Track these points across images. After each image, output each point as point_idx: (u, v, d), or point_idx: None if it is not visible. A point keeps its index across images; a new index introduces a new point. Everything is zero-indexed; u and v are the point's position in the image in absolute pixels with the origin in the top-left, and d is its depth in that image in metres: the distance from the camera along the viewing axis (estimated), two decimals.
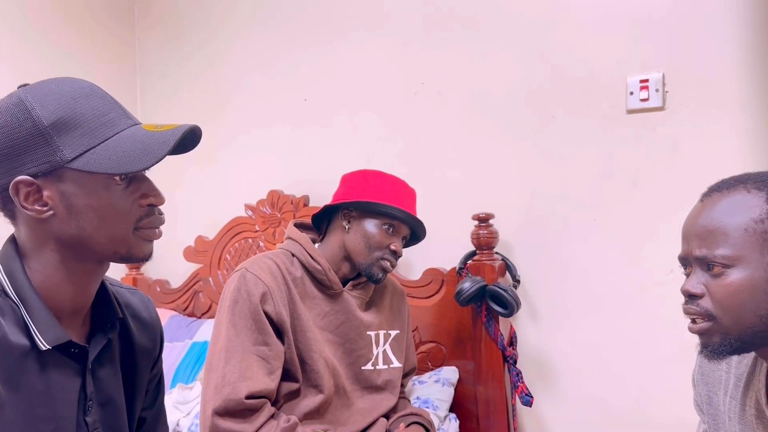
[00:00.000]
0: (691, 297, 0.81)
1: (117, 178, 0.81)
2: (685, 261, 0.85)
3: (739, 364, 0.94)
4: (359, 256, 1.48)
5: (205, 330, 2.20)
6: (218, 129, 2.45)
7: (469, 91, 1.95)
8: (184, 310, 2.43)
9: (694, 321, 0.82)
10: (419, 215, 1.54)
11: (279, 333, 1.39)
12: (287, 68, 2.31)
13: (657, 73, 1.67)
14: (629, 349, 1.71)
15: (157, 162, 0.79)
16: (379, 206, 1.46)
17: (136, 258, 0.85)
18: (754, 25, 1.55)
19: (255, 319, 1.36)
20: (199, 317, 2.39)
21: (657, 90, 1.67)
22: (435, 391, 1.74)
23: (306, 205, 2.19)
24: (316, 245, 1.54)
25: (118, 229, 0.82)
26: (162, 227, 0.87)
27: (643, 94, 1.68)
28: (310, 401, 1.42)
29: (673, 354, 1.63)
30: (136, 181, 0.83)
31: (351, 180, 1.56)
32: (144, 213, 0.84)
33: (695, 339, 1.71)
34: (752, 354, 0.93)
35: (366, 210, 1.48)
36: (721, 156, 1.59)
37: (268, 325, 1.37)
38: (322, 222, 1.58)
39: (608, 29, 1.75)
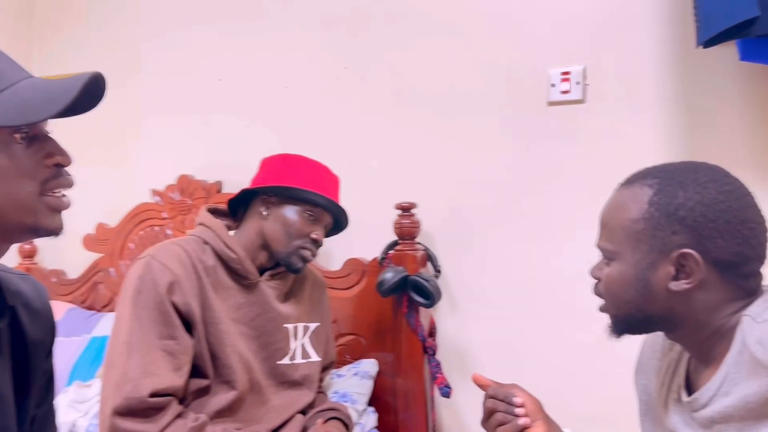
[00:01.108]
0: (595, 278, 0.90)
1: (17, 136, 0.70)
2: None
3: (670, 351, 0.96)
4: (278, 244, 1.39)
5: (105, 324, 2.05)
6: (123, 107, 2.27)
7: (393, 78, 1.91)
8: (83, 302, 2.25)
9: None
10: (341, 204, 1.47)
11: (188, 326, 1.29)
12: (201, 45, 2.17)
13: (578, 66, 1.69)
14: (548, 340, 1.73)
15: (62, 109, 0.69)
16: (300, 192, 1.39)
17: (45, 229, 0.74)
18: (673, 22, 1.59)
19: (161, 310, 1.25)
20: (99, 310, 2.22)
21: (578, 83, 1.69)
22: (353, 384, 1.69)
23: (219, 191, 2.08)
24: (232, 232, 1.44)
25: (23, 192, 0.71)
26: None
27: (565, 86, 1.70)
28: (221, 398, 1.33)
29: (591, 344, 1.63)
30: (38, 140, 0.73)
31: (271, 164, 1.47)
32: (50, 174, 0.74)
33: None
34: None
35: (286, 196, 1.40)
36: (638, 150, 1.62)
37: (176, 317, 1.27)
38: (238, 208, 1.48)
39: (531, 21, 1.75)
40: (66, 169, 0.76)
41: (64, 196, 0.76)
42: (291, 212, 1.39)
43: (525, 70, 1.75)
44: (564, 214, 1.71)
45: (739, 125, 1.51)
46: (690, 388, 0.88)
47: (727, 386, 0.79)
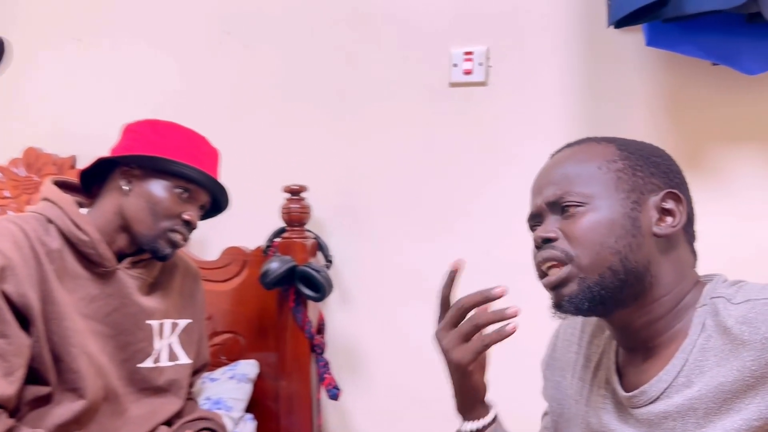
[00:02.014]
0: (545, 242, 0.79)
1: None
2: (537, 216, 0.83)
3: (590, 344, 0.90)
4: (142, 225, 1.23)
5: None
6: None
7: (282, 48, 1.79)
8: None
9: (545, 275, 0.80)
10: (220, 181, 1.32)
11: (23, 322, 1.11)
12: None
13: (482, 47, 1.66)
14: None
15: None
16: (171, 164, 1.23)
17: None
18: (581, 4, 1.58)
19: None
20: None
21: (481, 64, 1.66)
22: (229, 389, 1.56)
23: (73, 167, 1.86)
24: (84, 210, 1.26)
25: None
26: None
27: (467, 66, 1.66)
28: (66, 409, 1.16)
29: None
30: None
31: (135, 131, 1.30)
32: None
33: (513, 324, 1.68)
34: (605, 335, 0.89)
35: (154, 168, 1.23)
36: (541, 135, 1.61)
37: (7, 310, 1.08)
38: (93, 182, 1.29)
39: None
40: None
41: None
42: (159, 187, 1.23)
43: (426, 48, 1.70)
44: (462, 201, 1.68)
45: (643, 111, 1.53)
46: (622, 383, 0.82)
47: (688, 376, 0.74)
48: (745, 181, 1.45)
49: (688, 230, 0.81)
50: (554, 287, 0.78)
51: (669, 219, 0.78)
